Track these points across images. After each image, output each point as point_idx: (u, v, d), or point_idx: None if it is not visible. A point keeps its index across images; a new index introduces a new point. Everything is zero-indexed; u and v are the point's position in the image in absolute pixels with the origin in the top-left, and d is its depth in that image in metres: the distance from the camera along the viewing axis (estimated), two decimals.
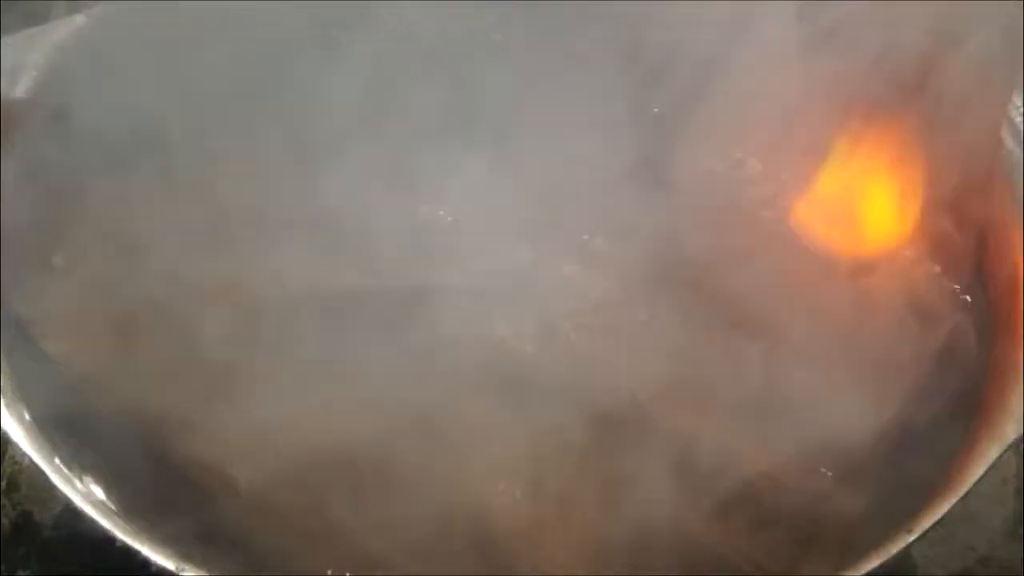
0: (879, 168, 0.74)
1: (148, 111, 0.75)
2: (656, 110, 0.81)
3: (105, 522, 0.63)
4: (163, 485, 0.68)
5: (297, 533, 0.68)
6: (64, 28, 0.76)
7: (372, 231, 0.76)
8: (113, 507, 0.65)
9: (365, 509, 0.68)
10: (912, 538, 0.63)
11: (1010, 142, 0.74)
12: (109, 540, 0.62)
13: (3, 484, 0.78)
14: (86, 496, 0.64)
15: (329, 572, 0.66)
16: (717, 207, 0.78)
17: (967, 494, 0.64)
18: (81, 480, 0.65)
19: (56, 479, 0.63)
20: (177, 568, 0.61)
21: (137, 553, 0.61)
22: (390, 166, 0.77)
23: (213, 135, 0.77)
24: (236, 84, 0.78)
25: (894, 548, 0.62)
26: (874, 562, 0.62)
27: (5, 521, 0.78)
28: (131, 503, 0.66)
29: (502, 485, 0.69)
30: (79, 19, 0.76)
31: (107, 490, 0.66)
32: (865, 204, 0.75)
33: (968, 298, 0.75)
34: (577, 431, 0.70)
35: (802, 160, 0.76)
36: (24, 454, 0.64)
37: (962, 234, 0.74)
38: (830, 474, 0.69)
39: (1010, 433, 0.65)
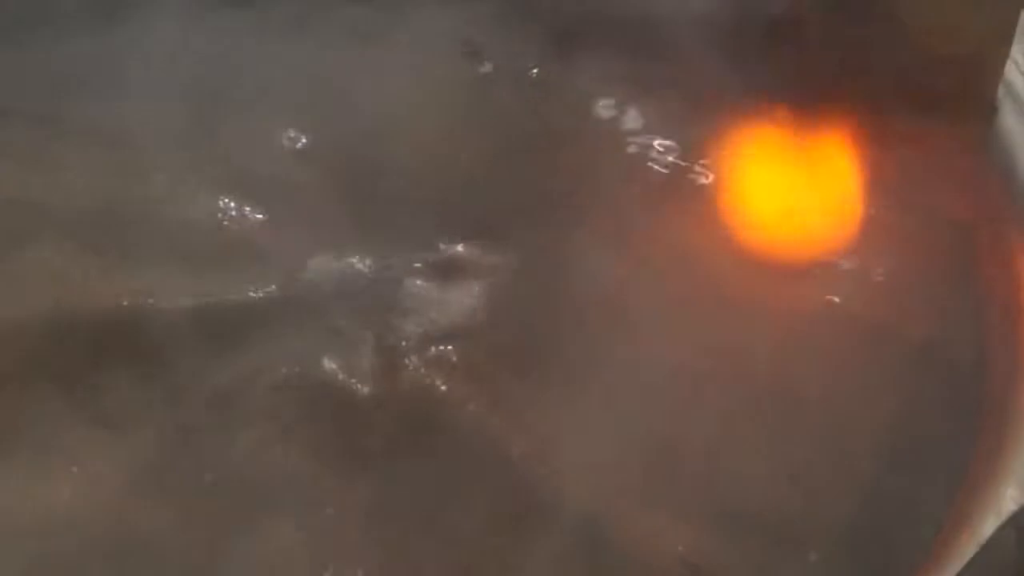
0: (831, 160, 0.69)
1: None
2: (535, 71, 0.72)
3: None
4: None
5: None
6: None
7: (149, 230, 0.67)
8: None
9: None
10: None
11: (1009, 112, 0.67)
12: None
13: None
14: None
15: None
16: (616, 207, 0.69)
17: None
18: None
19: None
20: None
21: None
22: (180, 148, 0.69)
23: None
24: None
25: None
26: None
27: None
28: None
29: (329, 571, 0.59)
30: None
31: None
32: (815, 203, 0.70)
33: (953, 319, 0.67)
34: (428, 497, 0.61)
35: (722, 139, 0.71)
36: None
37: (941, 238, 0.67)
38: (777, 552, 0.61)
39: (1009, 502, 0.58)
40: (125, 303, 0.65)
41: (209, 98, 0.71)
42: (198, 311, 0.65)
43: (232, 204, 0.69)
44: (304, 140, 0.71)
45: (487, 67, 0.72)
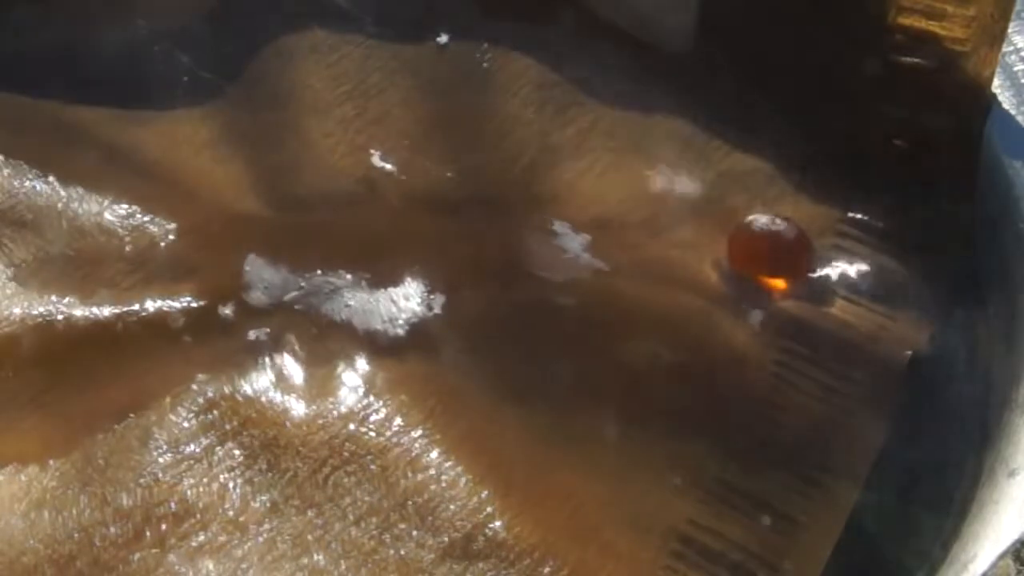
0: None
1: None
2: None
3: None
4: None
5: None
6: None
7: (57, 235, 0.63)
8: None
9: None
10: None
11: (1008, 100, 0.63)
12: None
13: None
14: None
15: None
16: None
17: None
18: None
19: None
20: None
21: None
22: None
23: None
24: None
25: None
26: None
27: None
28: None
29: None
30: None
31: None
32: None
33: (944, 338, 0.63)
34: (364, 525, 0.56)
35: None
36: None
37: (928, 244, 0.63)
38: None
39: (1009, 531, 0.54)
40: (35, 312, 0.61)
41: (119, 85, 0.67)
42: (113, 324, 0.61)
43: (147, 207, 0.64)
44: (222, 132, 0.66)
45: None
